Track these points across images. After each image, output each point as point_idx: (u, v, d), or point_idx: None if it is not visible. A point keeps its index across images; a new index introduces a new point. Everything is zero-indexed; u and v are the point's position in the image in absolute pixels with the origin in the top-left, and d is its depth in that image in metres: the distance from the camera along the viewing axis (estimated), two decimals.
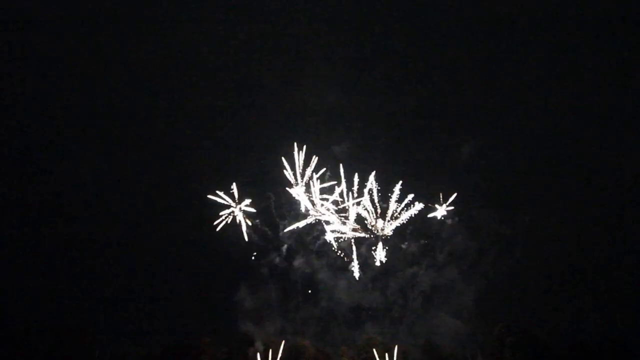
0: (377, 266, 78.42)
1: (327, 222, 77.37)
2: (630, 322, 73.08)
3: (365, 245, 78.81)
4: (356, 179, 77.03)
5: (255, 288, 79.78)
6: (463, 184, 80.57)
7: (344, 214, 78.37)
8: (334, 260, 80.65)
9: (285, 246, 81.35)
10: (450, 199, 77.39)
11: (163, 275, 78.97)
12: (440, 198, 77.77)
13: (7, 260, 76.91)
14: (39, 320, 71.65)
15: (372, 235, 77.88)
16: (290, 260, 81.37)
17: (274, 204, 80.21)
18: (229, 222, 74.82)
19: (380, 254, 76.97)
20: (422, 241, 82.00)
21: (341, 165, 76.64)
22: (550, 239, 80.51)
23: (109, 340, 72.34)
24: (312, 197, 77.32)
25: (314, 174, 76.25)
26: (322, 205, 77.28)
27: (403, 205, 75.74)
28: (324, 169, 76.82)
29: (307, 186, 77.37)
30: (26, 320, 71.58)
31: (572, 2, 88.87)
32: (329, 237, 77.21)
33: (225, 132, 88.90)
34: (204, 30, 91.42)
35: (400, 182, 75.89)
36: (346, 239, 77.92)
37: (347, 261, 78.67)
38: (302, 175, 76.74)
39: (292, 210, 79.46)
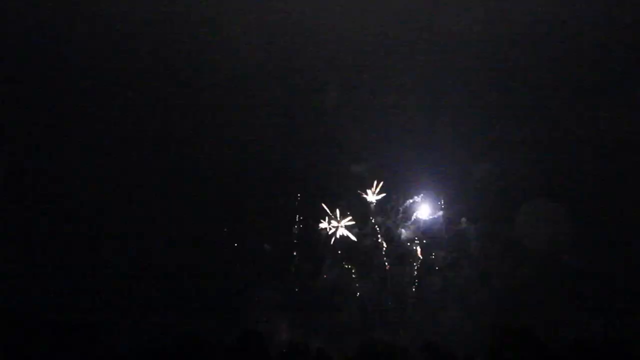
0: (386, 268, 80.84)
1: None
2: (630, 322, 73.16)
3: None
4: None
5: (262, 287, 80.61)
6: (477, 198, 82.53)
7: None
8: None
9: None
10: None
11: (168, 273, 79.80)
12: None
13: (8, 257, 77.70)
14: (39, 318, 72.31)
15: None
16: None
17: None
18: None
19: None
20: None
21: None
22: (550, 240, 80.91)
23: (111, 337, 72.89)
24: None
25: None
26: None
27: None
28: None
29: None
30: (28, 317, 72.15)
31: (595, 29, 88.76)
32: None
33: None
34: None
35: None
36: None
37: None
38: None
39: None
